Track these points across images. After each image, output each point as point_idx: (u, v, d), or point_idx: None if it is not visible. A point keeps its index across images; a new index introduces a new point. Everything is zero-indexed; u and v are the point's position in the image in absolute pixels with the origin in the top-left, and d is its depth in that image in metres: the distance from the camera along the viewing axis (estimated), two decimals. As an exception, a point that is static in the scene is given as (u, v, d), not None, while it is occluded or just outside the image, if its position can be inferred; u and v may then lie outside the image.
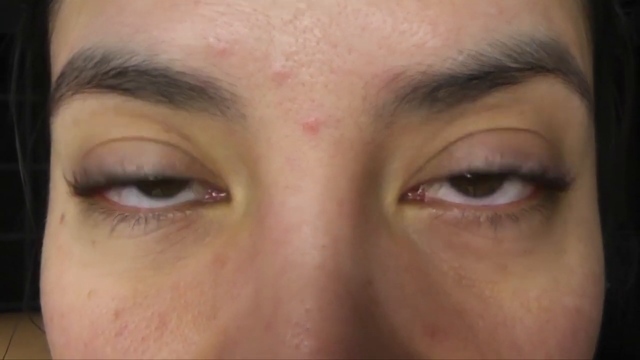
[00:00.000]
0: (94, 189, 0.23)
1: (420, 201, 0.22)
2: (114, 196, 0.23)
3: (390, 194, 0.22)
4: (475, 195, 0.22)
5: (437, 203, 0.22)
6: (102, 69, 0.21)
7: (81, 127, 0.23)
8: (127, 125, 0.22)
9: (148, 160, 0.22)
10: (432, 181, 0.22)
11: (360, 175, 0.21)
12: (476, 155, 0.21)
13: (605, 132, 0.30)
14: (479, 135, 0.21)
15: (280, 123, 0.20)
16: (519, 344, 0.22)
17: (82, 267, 0.23)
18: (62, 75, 0.23)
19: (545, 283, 0.23)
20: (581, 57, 0.24)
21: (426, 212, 0.22)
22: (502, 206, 0.22)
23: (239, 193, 0.22)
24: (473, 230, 0.22)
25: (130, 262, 0.22)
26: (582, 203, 0.24)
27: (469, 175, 0.22)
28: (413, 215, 0.22)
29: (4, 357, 0.37)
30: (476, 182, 0.22)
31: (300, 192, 0.20)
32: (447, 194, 0.22)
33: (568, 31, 0.23)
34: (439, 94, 0.20)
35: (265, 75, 0.20)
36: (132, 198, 0.22)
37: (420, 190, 0.22)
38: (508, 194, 0.22)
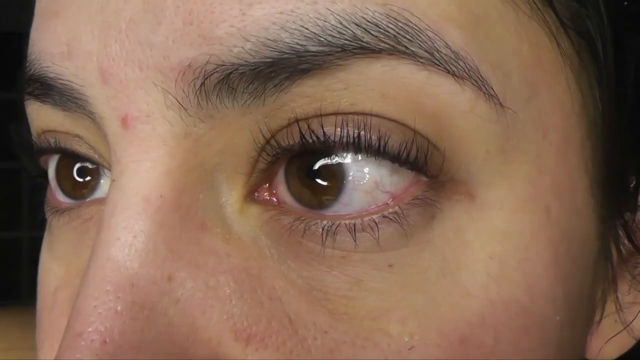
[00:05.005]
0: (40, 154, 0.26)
1: (267, 202, 0.21)
2: (58, 194, 0.26)
3: (234, 192, 0.21)
4: (319, 206, 0.21)
5: (286, 210, 0.21)
6: (26, 77, 0.24)
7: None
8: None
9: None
10: (276, 163, 0.21)
11: (178, 170, 0.21)
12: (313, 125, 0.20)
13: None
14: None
15: (110, 119, 0.21)
16: None
17: (49, 251, 0.27)
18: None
19: (419, 304, 0.20)
20: (469, 34, 0.20)
21: (271, 216, 0.21)
22: (347, 215, 0.21)
23: None
24: (314, 239, 0.21)
25: (64, 247, 0.25)
26: (498, 214, 0.21)
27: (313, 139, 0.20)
28: (260, 217, 0.21)
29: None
30: (316, 192, 0.21)
31: (117, 188, 0.21)
32: (290, 200, 0.21)
33: (436, 6, 0.20)
34: (234, 84, 0.20)
35: (96, 75, 0.21)
36: (60, 195, 0.26)
37: (267, 192, 0.22)
38: (352, 205, 0.21)
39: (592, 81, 0.23)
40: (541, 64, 0.22)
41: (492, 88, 0.20)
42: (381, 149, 0.20)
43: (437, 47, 0.20)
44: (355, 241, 0.20)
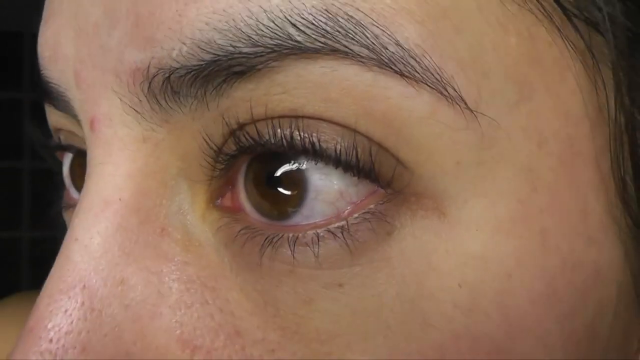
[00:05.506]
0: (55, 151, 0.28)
1: (228, 209, 0.21)
2: (72, 192, 0.27)
3: (197, 198, 0.21)
4: (279, 216, 0.20)
5: (240, 218, 0.20)
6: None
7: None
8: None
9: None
10: (230, 162, 0.20)
11: (140, 174, 0.20)
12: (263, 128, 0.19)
13: None
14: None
15: (84, 122, 0.22)
16: None
17: None
18: None
19: (369, 331, 0.19)
20: (429, 28, 0.18)
21: (224, 223, 0.20)
22: (294, 227, 0.19)
23: None
24: (255, 250, 0.20)
25: None
26: (474, 236, 0.19)
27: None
28: (216, 224, 0.21)
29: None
30: (277, 202, 0.20)
31: (84, 189, 0.21)
32: (249, 209, 0.20)
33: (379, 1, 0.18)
34: (176, 87, 0.19)
35: (72, 79, 0.22)
36: (74, 193, 0.27)
37: (229, 200, 0.21)
38: (314, 216, 0.19)
39: (610, 81, 0.20)
40: (537, 60, 0.19)
41: (457, 91, 0.18)
42: (317, 148, 0.19)
43: (384, 44, 0.18)
44: (293, 256, 0.19)
